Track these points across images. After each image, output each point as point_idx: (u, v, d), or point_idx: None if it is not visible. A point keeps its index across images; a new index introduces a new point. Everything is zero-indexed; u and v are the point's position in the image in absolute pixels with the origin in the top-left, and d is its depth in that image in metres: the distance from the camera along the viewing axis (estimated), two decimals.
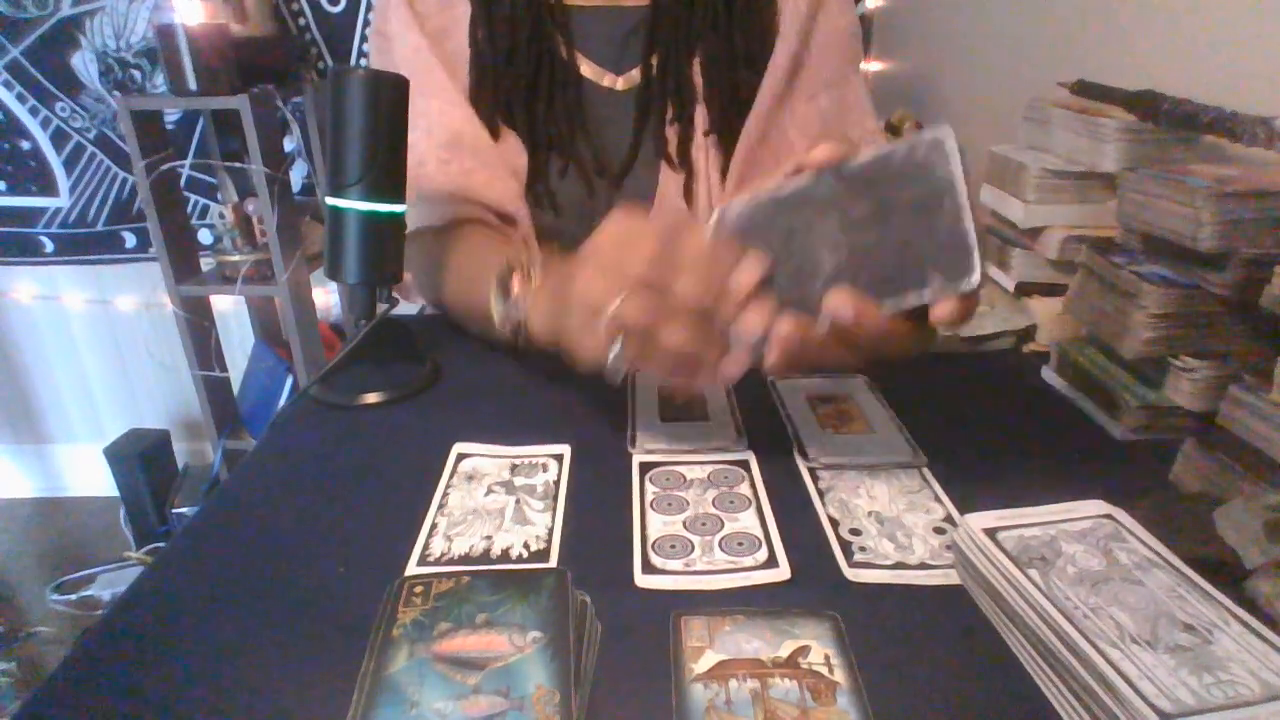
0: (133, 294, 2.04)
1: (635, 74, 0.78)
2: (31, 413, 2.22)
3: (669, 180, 0.77)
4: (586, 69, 0.77)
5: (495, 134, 0.75)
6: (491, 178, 0.73)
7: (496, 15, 0.75)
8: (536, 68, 0.75)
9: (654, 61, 0.76)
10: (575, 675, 0.34)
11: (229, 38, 1.49)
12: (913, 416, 0.57)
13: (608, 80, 0.78)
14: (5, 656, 1.64)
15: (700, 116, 0.77)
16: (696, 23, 0.76)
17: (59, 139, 1.89)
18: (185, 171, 1.91)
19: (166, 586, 0.43)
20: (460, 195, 0.73)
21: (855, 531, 0.45)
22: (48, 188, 1.94)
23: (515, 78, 0.75)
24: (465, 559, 0.43)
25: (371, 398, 0.62)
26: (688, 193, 0.78)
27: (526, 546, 0.44)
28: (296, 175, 1.90)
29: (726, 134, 0.77)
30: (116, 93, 1.83)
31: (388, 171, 0.58)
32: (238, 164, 1.80)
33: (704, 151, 0.77)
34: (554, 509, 0.48)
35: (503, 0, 0.75)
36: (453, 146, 0.72)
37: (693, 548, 0.44)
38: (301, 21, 1.81)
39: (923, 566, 0.42)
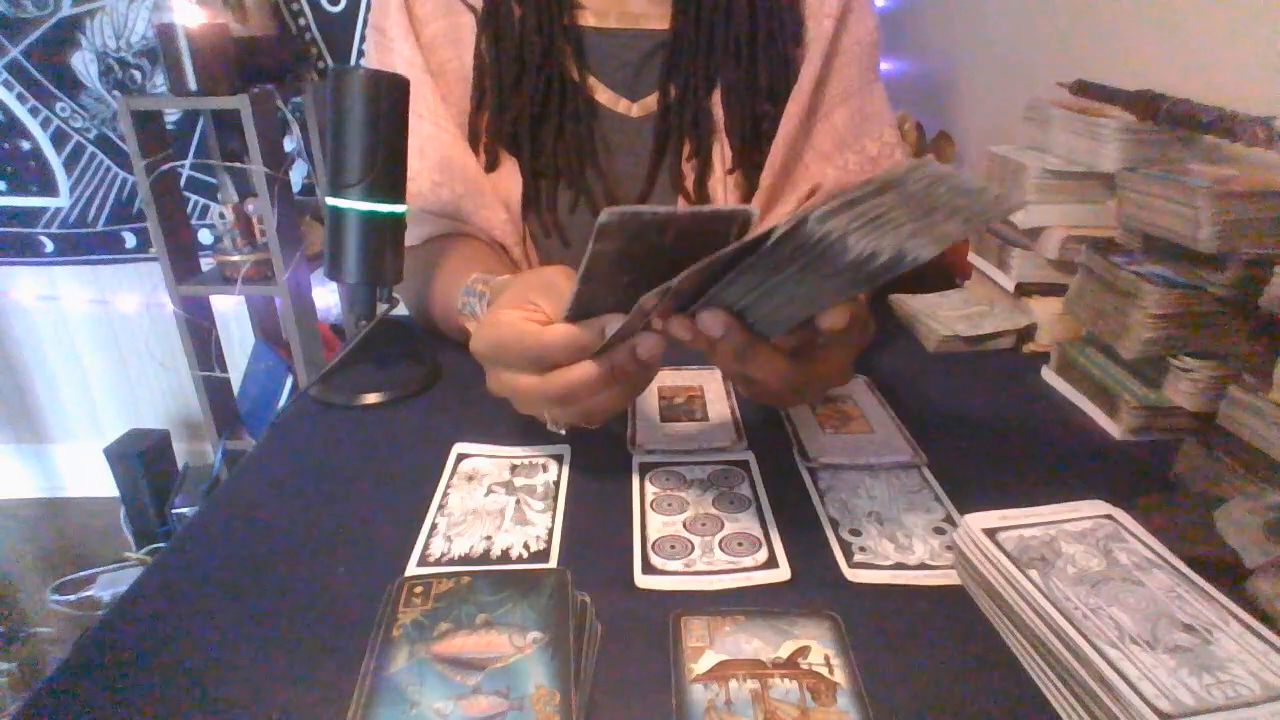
0: (133, 294, 2.05)
1: (651, 101, 0.74)
2: (31, 413, 2.22)
3: None
4: (600, 94, 0.74)
5: (494, 160, 0.73)
6: (479, 206, 0.72)
7: (505, 34, 0.71)
8: (546, 92, 0.72)
9: (672, 91, 0.73)
10: (575, 675, 0.34)
11: (229, 38, 1.49)
12: (913, 416, 0.57)
13: (622, 106, 0.74)
14: (5, 657, 1.64)
15: (719, 151, 0.74)
16: (717, 53, 0.72)
17: (59, 139, 1.89)
18: (185, 171, 1.90)
19: (166, 586, 0.43)
20: (450, 216, 0.72)
21: (855, 532, 0.45)
22: (48, 188, 1.94)
23: (523, 103, 0.71)
24: (465, 559, 0.43)
25: (371, 398, 0.62)
26: None
27: (526, 547, 0.44)
28: (296, 175, 1.90)
29: (748, 168, 0.74)
30: (117, 93, 1.83)
31: (388, 171, 0.58)
32: (238, 164, 1.80)
33: (723, 183, 0.74)
34: (554, 509, 0.48)
35: (510, 16, 0.71)
36: (444, 169, 0.71)
37: (693, 548, 0.44)
38: (301, 21, 1.81)
39: (923, 567, 0.42)
